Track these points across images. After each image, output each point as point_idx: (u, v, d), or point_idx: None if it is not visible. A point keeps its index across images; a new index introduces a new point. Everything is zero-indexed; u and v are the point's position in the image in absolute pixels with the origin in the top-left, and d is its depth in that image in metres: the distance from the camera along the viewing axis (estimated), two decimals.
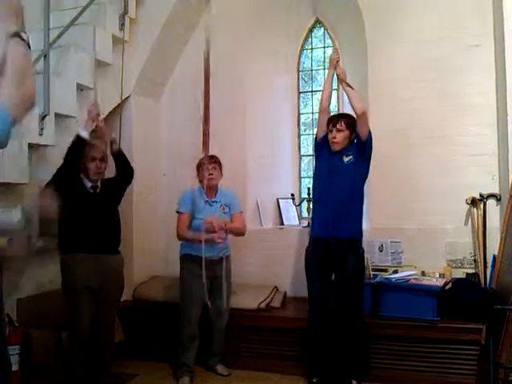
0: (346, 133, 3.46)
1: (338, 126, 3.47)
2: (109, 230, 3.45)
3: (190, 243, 3.67)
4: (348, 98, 3.52)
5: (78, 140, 3.19)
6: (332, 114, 3.84)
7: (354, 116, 3.51)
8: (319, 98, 3.84)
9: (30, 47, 1.49)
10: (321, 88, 4.97)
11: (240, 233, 3.91)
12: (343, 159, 3.47)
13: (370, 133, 3.46)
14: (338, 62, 3.61)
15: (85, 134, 3.20)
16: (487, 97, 3.97)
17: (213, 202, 3.78)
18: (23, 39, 1.43)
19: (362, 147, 3.45)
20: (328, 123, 3.54)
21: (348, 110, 4.76)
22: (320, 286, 3.49)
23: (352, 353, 3.41)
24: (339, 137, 3.47)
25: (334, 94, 4.98)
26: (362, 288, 3.54)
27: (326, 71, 3.88)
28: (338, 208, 3.40)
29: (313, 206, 3.71)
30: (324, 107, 3.60)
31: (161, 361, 4.02)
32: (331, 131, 3.50)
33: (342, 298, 3.43)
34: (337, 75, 3.59)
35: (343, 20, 4.76)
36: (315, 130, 5.03)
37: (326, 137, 3.56)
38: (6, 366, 1.69)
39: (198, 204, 3.72)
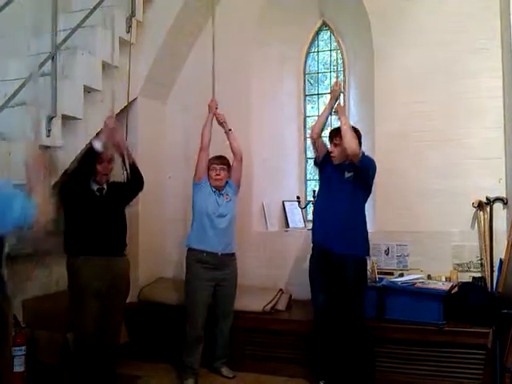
0: (343, 146, 3.42)
1: (334, 141, 3.51)
2: (115, 233, 3.44)
3: (198, 236, 3.76)
4: (342, 135, 3.41)
5: (92, 150, 3.21)
6: (332, 128, 3.85)
7: (356, 128, 3.54)
8: (312, 125, 3.83)
9: None
10: (326, 92, 5.00)
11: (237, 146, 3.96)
12: (344, 174, 3.49)
13: (366, 159, 3.43)
14: (339, 94, 3.62)
15: (98, 147, 3.20)
16: (494, 100, 3.95)
17: (220, 194, 3.85)
18: None
19: (357, 169, 3.43)
20: (328, 137, 3.62)
21: (353, 114, 4.78)
22: (323, 298, 3.49)
23: (355, 359, 3.38)
24: (336, 151, 3.51)
25: (341, 97, 4.98)
26: (363, 296, 3.50)
27: (328, 96, 3.87)
28: (337, 222, 3.41)
29: (313, 219, 3.71)
30: (316, 135, 3.64)
31: (165, 363, 4.03)
32: (330, 145, 3.57)
33: (342, 307, 3.40)
34: (336, 109, 3.58)
35: (350, 23, 4.76)
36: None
37: (327, 154, 3.60)
38: None
39: (204, 190, 3.81)
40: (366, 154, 3.48)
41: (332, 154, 3.54)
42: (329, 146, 3.60)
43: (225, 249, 3.77)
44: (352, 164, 3.44)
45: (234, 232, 3.88)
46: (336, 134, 3.51)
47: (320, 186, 3.77)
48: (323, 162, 3.65)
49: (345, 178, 3.47)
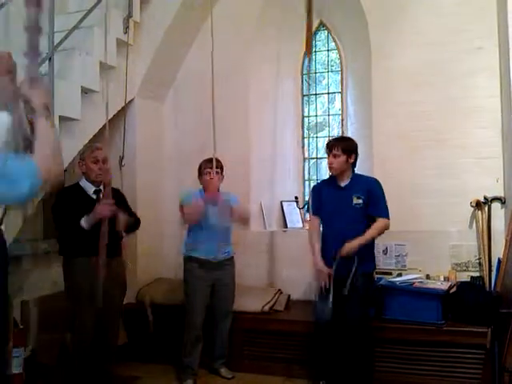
0: (343, 158, 3.35)
1: (333, 151, 3.38)
2: (111, 234, 3.41)
3: (194, 244, 3.71)
4: None
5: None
6: (330, 139, 3.79)
7: (353, 139, 3.52)
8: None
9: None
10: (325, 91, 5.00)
11: (245, 214, 3.90)
12: (352, 200, 3.34)
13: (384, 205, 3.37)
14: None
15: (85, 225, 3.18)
16: (492, 99, 3.96)
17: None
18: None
19: (371, 196, 3.34)
20: (326, 148, 3.49)
21: (351, 114, 4.78)
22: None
23: (356, 360, 3.35)
24: (336, 162, 3.38)
25: (339, 97, 4.99)
26: (369, 305, 3.50)
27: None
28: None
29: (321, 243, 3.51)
30: None
31: (164, 364, 4.02)
32: (328, 156, 3.44)
33: (347, 323, 3.32)
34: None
35: (347, 23, 4.76)
36: (319, 133, 5.05)
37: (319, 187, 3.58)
38: None
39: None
40: (373, 177, 3.50)
41: (331, 166, 3.40)
42: (327, 158, 3.46)
43: (221, 256, 3.72)
44: (363, 190, 3.32)
45: (231, 237, 3.84)
46: (335, 144, 3.41)
47: (323, 210, 3.51)
48: (319, 193, 3.53)
49: (353, 203, 3.28)
